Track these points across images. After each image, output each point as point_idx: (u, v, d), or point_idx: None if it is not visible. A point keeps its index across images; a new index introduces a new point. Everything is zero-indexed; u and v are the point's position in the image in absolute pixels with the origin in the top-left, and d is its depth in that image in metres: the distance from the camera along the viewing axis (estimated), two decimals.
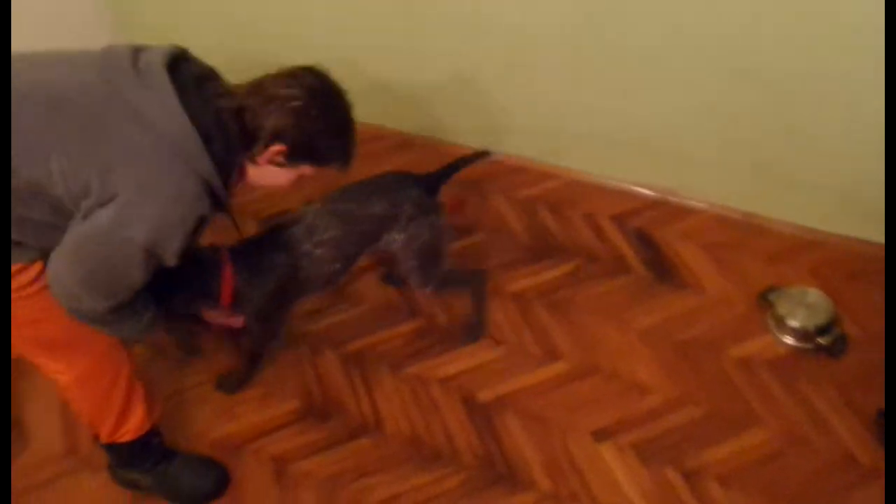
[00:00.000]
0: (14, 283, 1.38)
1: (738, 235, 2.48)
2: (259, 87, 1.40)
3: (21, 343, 1.54)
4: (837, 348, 2.12)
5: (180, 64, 1.37)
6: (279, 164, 1.44)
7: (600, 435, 1.98)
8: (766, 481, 1.88)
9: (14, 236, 1.33)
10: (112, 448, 1.82)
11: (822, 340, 2.12)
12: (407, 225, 1.91)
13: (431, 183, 1.99)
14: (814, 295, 2.20)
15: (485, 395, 2.09)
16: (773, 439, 1.96)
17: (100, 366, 1.64)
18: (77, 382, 1.65)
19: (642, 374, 2.11)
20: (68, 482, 1.96)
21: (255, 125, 1.38)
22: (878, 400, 1.96)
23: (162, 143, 1.28)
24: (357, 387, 2.12)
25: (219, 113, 1.36)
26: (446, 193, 2.05)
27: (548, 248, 2.47)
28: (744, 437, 1.97)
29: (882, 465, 1.87)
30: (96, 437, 1.81)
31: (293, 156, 1.43)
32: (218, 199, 1.39)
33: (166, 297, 1.65)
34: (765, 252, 2.42)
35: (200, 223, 1.38)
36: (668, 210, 2.58)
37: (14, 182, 1.26)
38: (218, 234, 1.71)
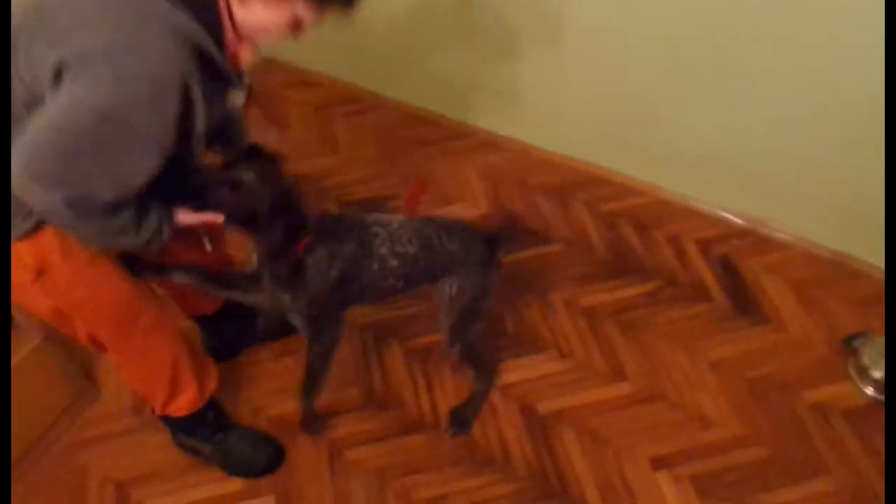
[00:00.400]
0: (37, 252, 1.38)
1: (827, 275, 2.37)
2: None
3: (68, 317, 1.55)
4: None
5: None
6: None
7: (658, 462, 1.93)
8: None
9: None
10: (167, 420, 1.88)
11: None
12: (466, 276, 1.81)
13: (496, 242, 1.88)
14: None
15: (544, 407, 2.06)
16: (840, 492, 1.87)
17: (143, 344, 1.65)
18: (124, 361, 1.70)
19: (709, 406, 2.04)
20: (131, 439, 2.03)
21: None
22: None
23: None
24: (418, 382, 2.12)
25: None
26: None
27: (626, 266, 2.42)
28: (809, 485, 1.88)
29: None
30: (152, 408, 1.87)
31: None
32: (212, 62, 1.27)
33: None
34: (854, 295, 2.31)
35: (186, 92, 1.23)
36: (756, 240, 2.49)
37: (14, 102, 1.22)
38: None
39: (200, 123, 1.31)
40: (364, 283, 1.74)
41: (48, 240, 1.38)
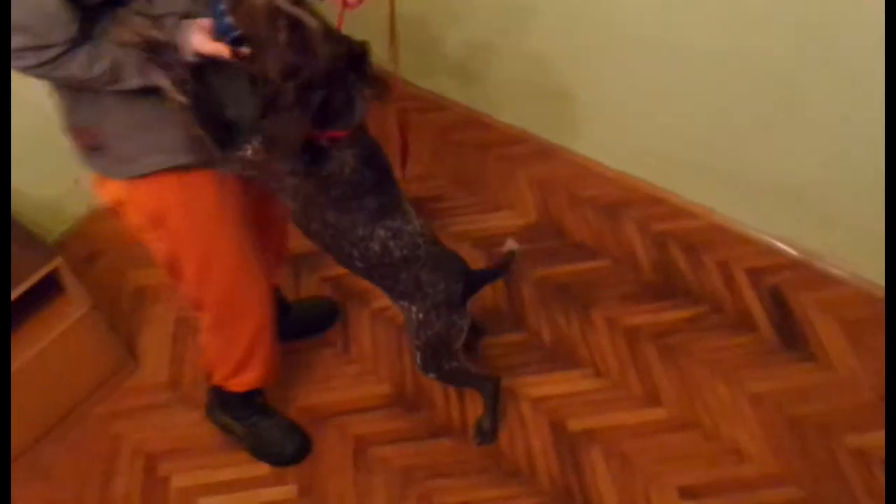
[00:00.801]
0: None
1: (881, 316, 2.29)
2: None
3: (181, 267, 1.54)
4: None
5: None
6: None
7: (687, 493, 1.89)
8: None
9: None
10: (218, 391, 1.89)
11: None
12: (430, 309, 1.66)
13: (474, 282, 1.73)
14: None
15: (574, 425, 2.03)
16: None
17: (240, 313, 1.66)
18: (213, 325, 1.71)
19: (744, 440, 1.99)
20: (165, 414, 2.08)
21: None
22: None
23: None
24: (449, 387, 2.12)
25: None
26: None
27: (671, 289, 2.37)
28: None
29: None
30: (209, 376, 1.88)
31: None
32: None
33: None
34: None
35: None
36: (809, 274, 2.41)
37: None
38: None
39: None
40: (344, 225, 1.49)
41: (170, 190, 1.38)
